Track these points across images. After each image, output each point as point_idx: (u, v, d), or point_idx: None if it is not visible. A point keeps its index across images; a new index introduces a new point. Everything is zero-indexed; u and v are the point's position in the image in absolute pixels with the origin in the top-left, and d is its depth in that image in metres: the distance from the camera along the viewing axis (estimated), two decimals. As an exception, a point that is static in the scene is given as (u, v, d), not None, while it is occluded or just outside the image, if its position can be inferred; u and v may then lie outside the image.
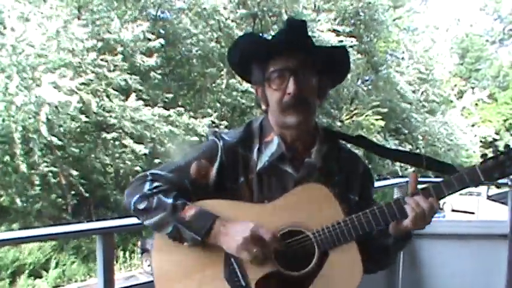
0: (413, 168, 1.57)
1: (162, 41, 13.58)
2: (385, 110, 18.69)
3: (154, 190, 1.40)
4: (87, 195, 13.06)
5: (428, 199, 1.36)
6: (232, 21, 15.11)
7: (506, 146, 1.38)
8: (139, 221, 1.46)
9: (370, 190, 1.58)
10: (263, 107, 1.50)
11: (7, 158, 11.92)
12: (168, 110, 13.46)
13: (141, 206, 1.40)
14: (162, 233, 1.40)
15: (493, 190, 10.87)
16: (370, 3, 18.02)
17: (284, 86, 1.41)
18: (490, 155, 1.40)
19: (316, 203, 1.40)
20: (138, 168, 13.56)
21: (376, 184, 2.58)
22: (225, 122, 14.89)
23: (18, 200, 12.39)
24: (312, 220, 1.38)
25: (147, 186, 1.41)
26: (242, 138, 1.51)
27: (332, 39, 15.75)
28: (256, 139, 1.51)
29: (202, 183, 1.47)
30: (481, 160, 1.41)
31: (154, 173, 1.46)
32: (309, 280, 1.36)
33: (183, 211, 1.36)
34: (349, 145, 1.60)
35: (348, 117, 18.84)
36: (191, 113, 14.10)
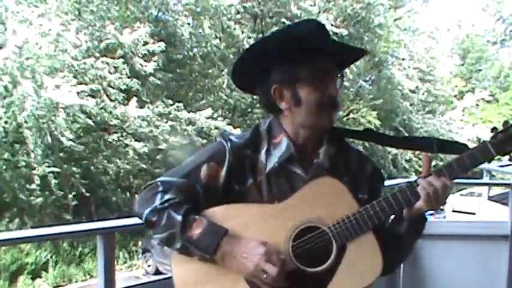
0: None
1: (163, 42, 13.59)
2: (382, 105, 18.75)
3: (166, 204, 1.39)
4: (88, 195, 13.08)
5: (440, 178, 1.35)
6: (235, 22, 15.12)
7: None
8: (140, 222, 1.45)
9: (380, 190, 1.55)
10: (284, 106, 1.46)
11: (10, 157, 11.93)
12: (168, 107, 13.48)
13: (153, 219, 1.40)
14: (172, 248, 1.40)
15: (494, 191, 10.84)
16: (370, 4, 18.04)
17: (324, 86, 1.41)
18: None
19: (329, 197, 1.40)
20: (139, 169, 13.59)
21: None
22: (225, 122, 14.92)
23: (19, 199, 12.40)
24: (326, 214, 1.38)
25: (158, 199, 1.40)
26: (250, 140, 1.50)
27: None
28: (264, 141, 1.50)
29: (213, 187, 1.46)
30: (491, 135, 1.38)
31: (165, 180, 1.45)
32: (330, 275, 1.36)
33: (191, 229, 1.35)
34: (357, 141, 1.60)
35: (345, 114, 18.90)
36: (191, 112, 14.09)
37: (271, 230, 1.38)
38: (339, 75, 1.45)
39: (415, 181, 1.38)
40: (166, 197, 1.40)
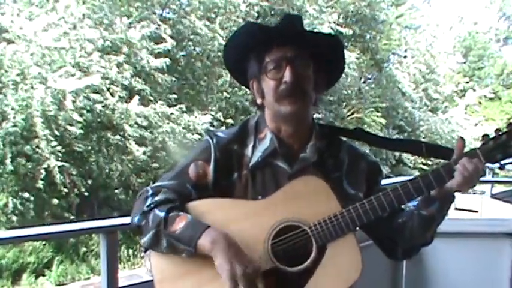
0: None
1: (167, 40, 13.60)
2: (385, 104, 18.75)
3: (152, 205, 1.39)
4: (89, 194, 13.09)
5: (473, 160, 1.33)
6: (243, 19, 15.11)
7: (509, 124, 1.33)
8: None
9: (378, 184, 1.56)
10: (258, 101, 1.49)
11: (15, 153, 11.95)
12: (170, 107, 13.49)
13: (142, 224, 1.41)
14: (159, 249, 1.39)
15: (497, 188, 10.84)
16: (372, 1, 18.00)
17: (280, 75, 1.40)
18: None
19: (312, 196, 1.39)
20: (141, 167, 13.58)
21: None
22: (229, 121, 14.93)
23: (19, 198, 12.41)
24: (308, 214, 1.37)
25: (147, 202, 1.41)
26: (237, 135, 1.51)
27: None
28: (251, 136, 1.50)
29: (203, 184, 1.47)
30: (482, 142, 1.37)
31: (156, 185, 1.47)
32: (308, 275, 1.36)
33: (174, 224, 1.35)
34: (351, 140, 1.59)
35: (349, 113, 18.88)
36: (194, 112, 14.10)
37: (252, 227, 1.38)
38: (308, 63, 1.42)
39: (402, 185, 1.36)
40: (155, 199, 1.41)
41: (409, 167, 19.48)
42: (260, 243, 1.36)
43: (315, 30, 14.62)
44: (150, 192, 1.43)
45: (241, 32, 1.48)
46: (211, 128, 13.28)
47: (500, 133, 1.34)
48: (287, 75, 1.38)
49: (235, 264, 1.28)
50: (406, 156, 18.86)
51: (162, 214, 1.36)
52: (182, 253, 1.36)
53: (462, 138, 1.40)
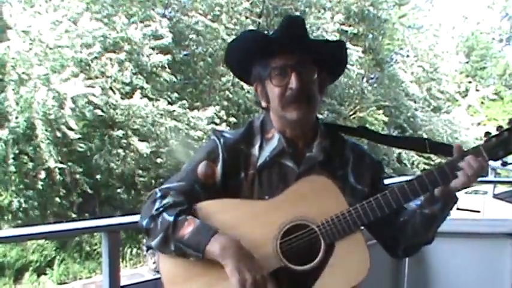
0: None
1: (169, 39, 13.59)
2: (387, 103, 18.74)
3: (161, 209, 1.40)
4: (92, 192, 13.09)
5: (478, 158, 1.35)
6: (246, 18, 15.10)
7: (510, 121, 1.35)
8: None
9: (382, 182, 1.57)
10: (263, 104, 1.50)
11: (15, 152, 11.96)
12: (172, 105, 13.48)
13: (150, 227, 1.41)
14: (167, 252, 1.39)
15: (499, 188, 10.85)
16: (375, 0, 17.98)
17: (286, 82, 1.41)
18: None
19: (319, 195, 1.40)
20: (143, 166, 13.59)
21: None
22: (232, 119, 14.94)
23: (22, 197, 12.42)
24: (316, 213, 1.38)
25: (156, 205, 1.41)
26: (243, 135, 1.52)
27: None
28: (257, 136, 1.52)
29: (211, 184, 1.48)
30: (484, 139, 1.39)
31: (164, 187, 1.47)
32: (317, 273, 1.37)
33: (183, 229, 1.35)
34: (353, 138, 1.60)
35: (352, 113, 18.88)
36: (195, 110, 14.09)
37: (262, 227, 1.39)
38: (313, 69, 1.43)
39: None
40: (164, 201, 1.41)
41: (410, 167, 19.43)
42: (269, 242, 1.37)
43: (318, 33, 14.67)
44: (159, 194, 1.44)
45: (242, 40, 1.49)
46: (218, 128, 13.27)
47: (502, 130, 1.36)
48: (293, 82, 1.39)
49: (245, 272, 1.29)
50: (405, 157, 18.85)
51: (171, 218, 1.36)
52: (190, 257, 1.37)
53: (459, 145, 1.42)
